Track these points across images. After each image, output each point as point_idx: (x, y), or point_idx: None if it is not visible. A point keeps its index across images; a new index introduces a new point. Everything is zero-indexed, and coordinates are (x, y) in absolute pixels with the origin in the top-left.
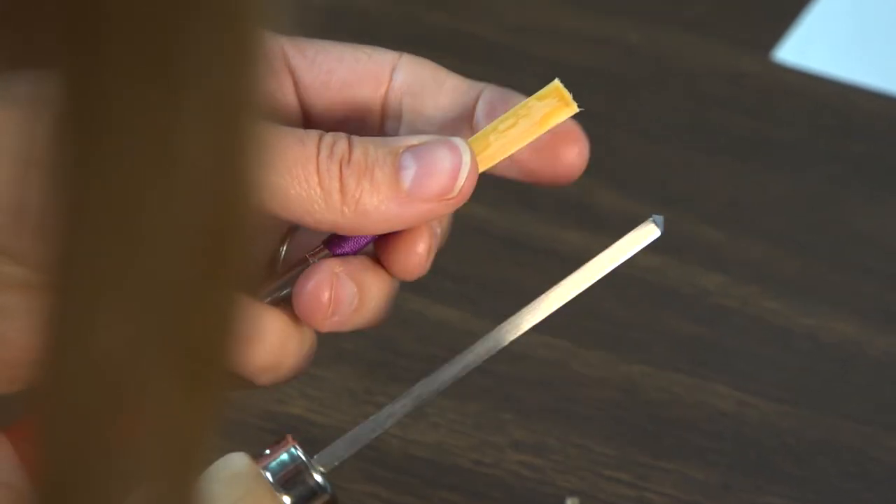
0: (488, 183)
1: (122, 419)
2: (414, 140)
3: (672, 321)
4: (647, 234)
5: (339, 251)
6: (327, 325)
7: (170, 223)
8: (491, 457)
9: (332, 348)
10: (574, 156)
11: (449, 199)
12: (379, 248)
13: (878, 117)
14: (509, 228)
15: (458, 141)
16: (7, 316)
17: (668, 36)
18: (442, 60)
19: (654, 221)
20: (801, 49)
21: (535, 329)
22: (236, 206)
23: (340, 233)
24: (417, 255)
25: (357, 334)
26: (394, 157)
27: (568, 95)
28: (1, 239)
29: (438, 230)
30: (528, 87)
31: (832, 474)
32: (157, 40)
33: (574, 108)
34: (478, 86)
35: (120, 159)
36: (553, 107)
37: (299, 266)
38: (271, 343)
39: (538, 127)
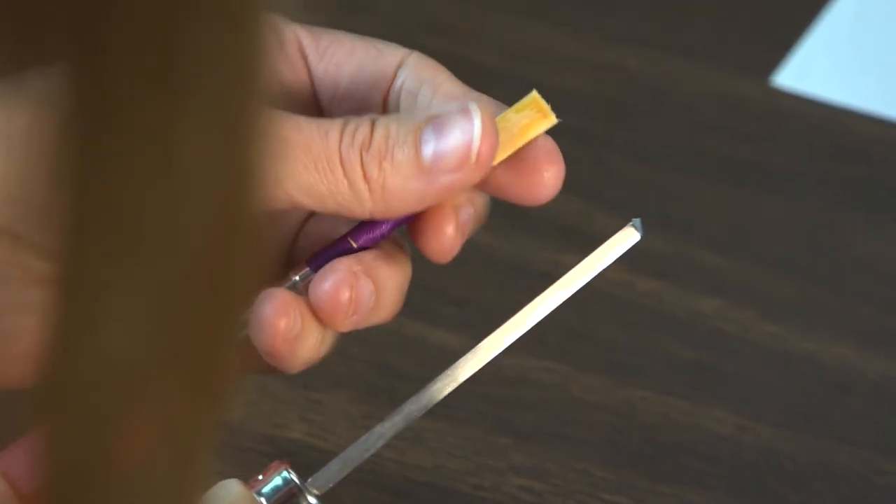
0: (487, 207)
1: (126, 421)
2: (438, 111)
3: (670, 345)
4: (626, 237)
5: (361, 241)
6: (347, 325)
7: (174, 223)
8: (490, 481)
9: (331, 373)
10: (550, 176)
11: (470, 167)
12: (411, 231)
13: (877, 142)
14: (509, 253)
15: (472, 106)
16: (28, 311)
17: (666, 61)
18: None
19: (633, 225)
20: (799, 74)
21: (534, 353)
22: (241, 206)
23: (377, 218)
24: (448, 237)
25: (356, 359)
26: (415, 134)
27: (546, 106)
28: (26, 232)
29: (471, 210)
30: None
31: (830, 498)
32: (161, 38)
33: (552, 120)
34: (472, 95)
35: (124, 158)
36: (531, 118)
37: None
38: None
39: (517, 139)
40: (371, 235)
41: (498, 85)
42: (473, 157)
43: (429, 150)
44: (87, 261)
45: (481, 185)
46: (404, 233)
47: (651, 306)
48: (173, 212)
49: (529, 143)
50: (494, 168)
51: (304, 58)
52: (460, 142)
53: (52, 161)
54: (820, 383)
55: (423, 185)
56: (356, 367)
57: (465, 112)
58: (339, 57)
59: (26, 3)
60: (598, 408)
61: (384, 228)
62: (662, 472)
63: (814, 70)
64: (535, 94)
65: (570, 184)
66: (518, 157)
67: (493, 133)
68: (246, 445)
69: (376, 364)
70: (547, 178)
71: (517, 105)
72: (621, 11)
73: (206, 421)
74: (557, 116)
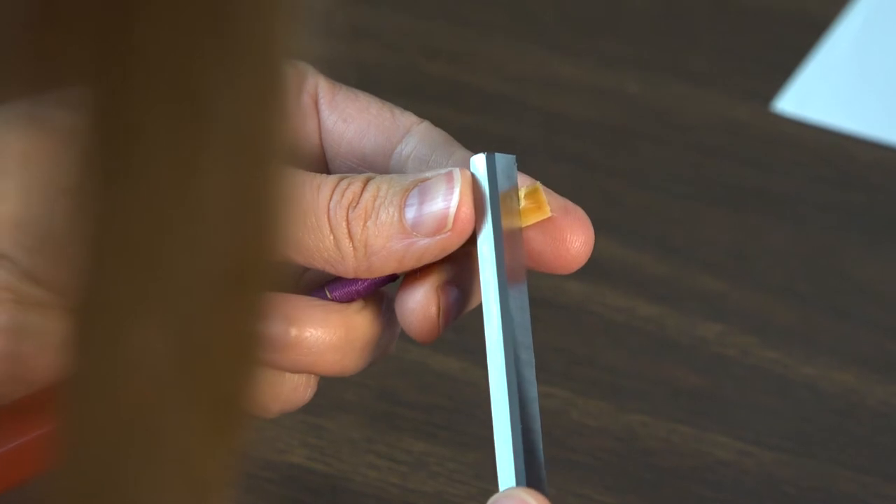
0: None
1: (143, 450)
2: (428, 174)
3: (671, 370)
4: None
5: (336, 294)
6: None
7: (192, 257)
8: None
9: (332, 398)
10: (580, 245)
11: (446, 233)
12: (396, 309)
13: (878, 167)
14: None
15: (456, 171)
16: (27, 336)
17: (667, 87)
18: (441, 111)
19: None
20: (800, 100)
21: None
22: (259, 241)
23: (360, 276)
24: (429, 319)
25: (358, 384)
26: (401, 195)
27: (544, 200)
28: (27, 261)
29: (456, 292)
30: (527, 137)
31: None
32: (184, 77)
33: (547, 213)
34: None
35: (144, 192)
36: (527, 207)
37: None
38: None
39: (520, 224)
40: (346, 290)
41: (498, 110)
42: (450, 223)
43: (411, 212)
44: (105, 292)
45: None
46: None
47: (652, 331)
48: (192, 245)
49: (554, 217)
50: (524, 236)
51: (316, 107)
52: (440, 207)
53: (72, 192)
54: (821, 408)
55: (402, 247)
56: (358, 391)
57: (448, 177)
58: (350, 111)
59: (48, 28)
60: (599, 433)
61: (360, 286)
62: (664, 497)
63: (815, 96)
64: (537, 185)
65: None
66: (547, 228)
67: (470, 201)
68: (247, 470)
69: (377, 389)
70: (577, 248)
71: (523, 190)
72: (622, 36)
73: (225, 455)
74: (558, 140)
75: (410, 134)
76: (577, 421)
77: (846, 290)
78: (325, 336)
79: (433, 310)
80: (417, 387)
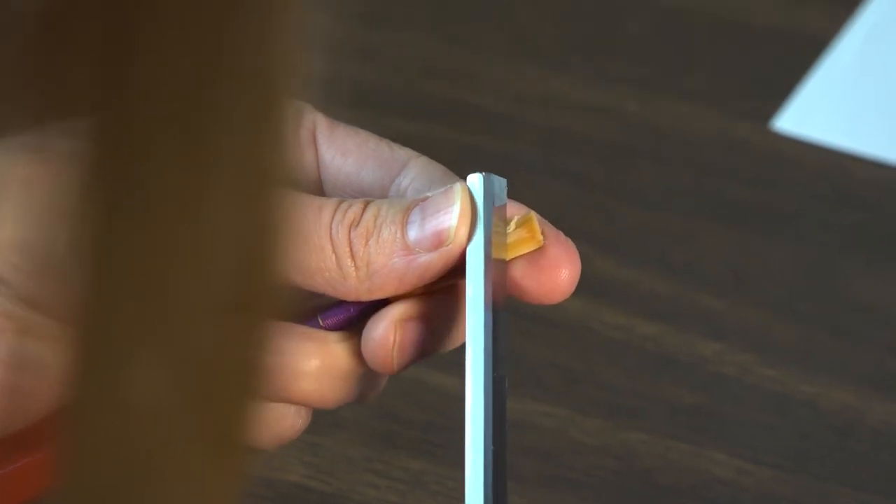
0: None
1: (144, 480)
2: (428, 194)
3: (670, 389)
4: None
5: (329, 322)
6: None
7: (195, 284)
8: None
9: (330, 416)
10: (566, 276)
11: (448, 247)
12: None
13: (877, 186)
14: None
15: (455, 186)
16: (27, 367)
17: (666, 105)
18: (440, 130)
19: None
20: (800, 118)
21: (533, 397)
22: (262, 266)
23: (362, 298)
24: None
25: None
26: (403, 214)
27: (538, 230)
28: (29, 287)
29: (418, 326)
30: (525, 155)
31: None
32: (187, 105)
33: (539, 244)
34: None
35: (146, 220)
36: (520, 236)
37: None
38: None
39: (504, 252)
40: (339, 317)
41: (496, 128)
42: (451, 235)
43: (413, 230)
44: (108, 319)
45: None
46: None
47: (651, 349)
48: (195, 272)
49: (543, 245)
50: (510, 266)
51: (315, 142)
52: (440, 221)
53: (74, 218)
54: (820, 427)
55: (405, 264)
56: (355, 410)
57: (448, 192)
58: (348, 145)
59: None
60: (597, 451)
61: (353, 312)
62: None
63: (814, 114)
64: (531, 215)
65: (570, 227)
66: (534, 257)
67: (470, 213)
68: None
69: (375, 407)
70: (563, 278)
71: (517, 219)
72: (621, 54)
73: (226, 483)
74: (558, 159)
75: (408, 167)
76: (576, 439)
77: (845, 308)
78: (297, 363)
79: (389, 342)
80: (415, 405)
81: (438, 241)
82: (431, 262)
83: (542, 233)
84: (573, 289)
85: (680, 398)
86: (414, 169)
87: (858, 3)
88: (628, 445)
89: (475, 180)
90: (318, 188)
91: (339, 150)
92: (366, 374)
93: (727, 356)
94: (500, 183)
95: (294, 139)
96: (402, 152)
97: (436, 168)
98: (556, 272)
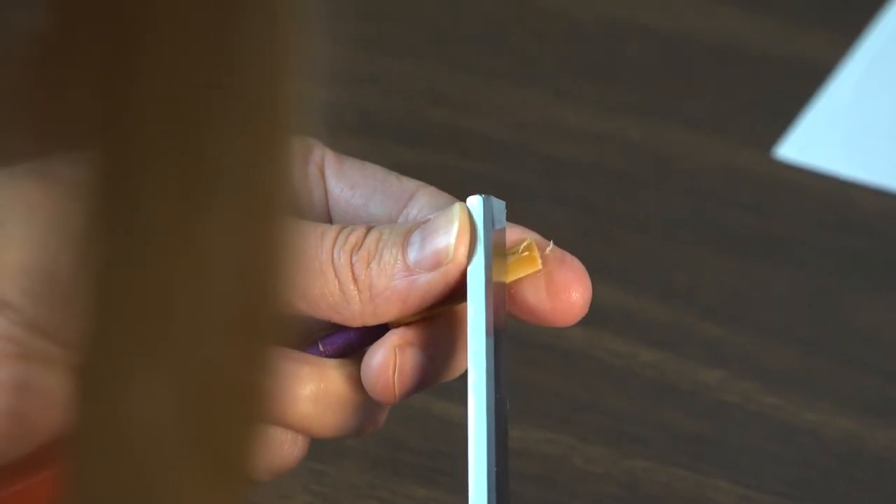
0: None
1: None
2: (429, 216)
3: (672, 416)
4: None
5: (329, 347)
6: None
7: (197, 309)
8: None
9: (335, 444)
10: (578, 298)
11: (448, 266)
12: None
13: (879, 214)
14: (511, 324)
15: (455, 207)
16: (29, 392)
17: (668, 132)
18: (443, 156)
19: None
20: (802, 146)
21: (536, 424)
22: (264, 292)
23: (367, 323)
24: (385, 378)
25: None
26: (404, 236)
27: (537, 255)
28: (32, 310)
29: (417, 354)
30: (528, 182)
31: None
32: (189, 130)
33: (538, 267)
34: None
35: (149, 245)
36: (520, 258)
37: None
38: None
39: (504, 275)
40: (339, 343)
41: (498, 155)
42: (450, 253)
43: (414, 251)
44: (110, 346)
45: (509, 308)
46: None
47: (653, 377)
48: (198, 297)
49: (551, 267)
50: (522, 290)
51: (323, 177)
52: (439, 241)
53: (77, 243)
54: (822, 454)
55: (406, 285)
56: (360, 438)
57: (446, 213)
58: (356, 178)
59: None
60: (601, 479)
61: (353, 337)
62: None
63: (817, 142)
64: (531, 240)
65: (572, 254)
66: (546, 278)
67: (468, 233)
68: None
69: (380, 434)
70: (575, 300)
71: (524, 243)
72: (623, 82)
73: None
74: (560, 186)
75: (416, 198)
76: (579, 467)
77: (848, 335)
78: (293, 387)
79: (389, 368)
80: (420, 432)
81: (437, 259)
82: (433, 283)
83: (545, 257)
84: (587, 309)
85: (682, 426)
86: (422, 199)
87: (861, 30)
88: (631, 473)
89: (475, 202)
90: (328, 222)
91: (348, 183)
92: (365, 404)
93: (729, 384)
94: (500, 206)
95: (298, 168)
96: (410, 183)
97: (443, 197)
98: (567, 295)
